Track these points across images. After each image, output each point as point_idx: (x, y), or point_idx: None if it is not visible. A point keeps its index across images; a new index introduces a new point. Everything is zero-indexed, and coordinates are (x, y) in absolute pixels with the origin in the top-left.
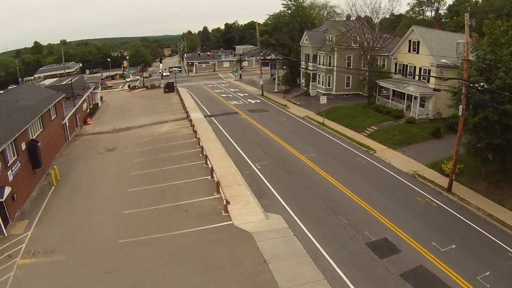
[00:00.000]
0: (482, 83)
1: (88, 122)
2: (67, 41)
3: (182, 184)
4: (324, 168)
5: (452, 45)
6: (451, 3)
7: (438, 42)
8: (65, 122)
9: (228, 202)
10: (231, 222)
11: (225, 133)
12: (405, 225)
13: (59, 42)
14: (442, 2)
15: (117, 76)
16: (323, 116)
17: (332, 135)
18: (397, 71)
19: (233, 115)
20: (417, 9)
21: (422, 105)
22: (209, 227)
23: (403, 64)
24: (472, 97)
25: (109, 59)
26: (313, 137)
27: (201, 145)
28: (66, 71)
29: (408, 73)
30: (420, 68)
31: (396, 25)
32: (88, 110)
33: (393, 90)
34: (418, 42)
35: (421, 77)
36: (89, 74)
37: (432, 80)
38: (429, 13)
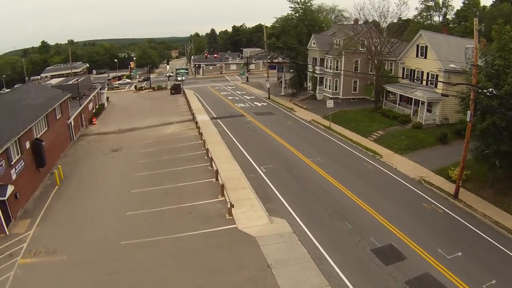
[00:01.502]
0: (490, 89)
1: (94, 122)
2: (75, 41)
3: (186, 186)
4: (330, 173)
5: (460, 50)
6: (459, 8)
7: (446, 47)
8: (71, 122)
9: (232, 205)
10: (235, 225)
11: (231, 135)
12: (411, 231)
13: (66, 42)
14: (450, 7)
15: (124, 76)
16: (330, 120)
17: (338, 139)
18: (404, 76)
19: (239, 117)
20: (424, 14)
21: (429, 110)
22: (213, 230)
23: (411, 69)
24: (480, 103)
25: (116, 60)
26: (319, 141)
27: (206, 147)
28: (73, 71)
29: (415, 78)
30: (428, 73)
31: (404, 29)
32: (94, 110)
33: (400, 95)
34: (426, 46)
35: (429, 82)
36: (96, 74)
37: (439, 85)
38: (437, 18)
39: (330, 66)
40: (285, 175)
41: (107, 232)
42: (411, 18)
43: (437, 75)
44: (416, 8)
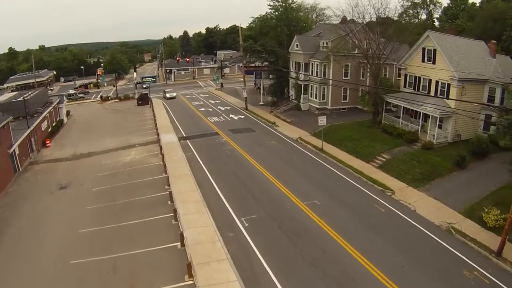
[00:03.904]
0: None
1: (48, 145)
2: (47, 46)
3: (142, 256)
4: (335, 226)
5: (471, 53)
6: (446, 5)
7: (456, 50)
8: (14, 151)
9: None
10: None
11: (202, 164)
12: None
13: (38, 47)
14: (438, 4)
15: (91, 85)
16: (322, 139)
17: (335, 167)
18: (407, 85)
19: (213, 137)
20: (411, 11)
21: (439, 126)
22: None
23: (415, 76)
24: None
25: (82, 67)
26: (312, 170)
27: (170, 187)
28: (38, 80)
29: (421, 87)
30: (437, 82)
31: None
32: (50, 129)
33: (404, 107)
34: (435, 50)
35: (441, 93)
36: (64, 82)
37: (452, 96)
38: (424, 16)
39: (317, 71)
40: (275, 232)
41: None
42: (391, 16)
43: (448, 84)
44: (402, 6)
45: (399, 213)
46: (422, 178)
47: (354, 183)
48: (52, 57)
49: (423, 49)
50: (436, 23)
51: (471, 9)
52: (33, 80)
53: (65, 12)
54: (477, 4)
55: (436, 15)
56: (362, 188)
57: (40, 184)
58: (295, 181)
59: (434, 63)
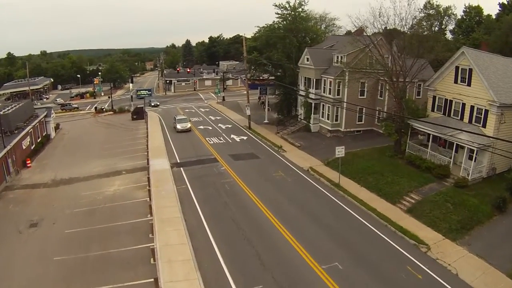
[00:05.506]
0: None
1: (28, 165)
2: (49, 52)
3: None
4: None
5: (507, 74)
6: (459, 18)
7: (494, 70)
8: None
9: None
10: None
11: (196, 204)
12: None
13: (39, 53)
14: (453, 16)
15: (87, 94)
16: (339, 172)
17: (355, 210)
18: (436, 108)
19: (211, 164)
20: (424, 23)
21: (473, 158)
22: None
23: (445, 99)
24: None
25: (78, 75)
26: (328, 215)
27: (155, 238)
28: (33, 87)
29: (452, 111)
30: (472, 107)
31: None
32: (33, 146)
33: (433, 136)
34: (470, 70)
35: (477, 120)
36: (61, 90)
37: (490, 124)
38: (436, 29)
39: (330, 89)
40: None
41: None
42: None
43: (486, 110)
44: (415, 17)
45: (439, 279)
46: (460, 227)
47: (381, 234)
48: (51, 64)
49: (456, 68)
50: (449, 36)
51: (487, 22)
52: (27, 88)
53: (69, 17)
54: (493, 16)
55: (449, 27)
56: (391, 242)
57: (10, 219)
58: (309, 232)
59: (469, 85)
